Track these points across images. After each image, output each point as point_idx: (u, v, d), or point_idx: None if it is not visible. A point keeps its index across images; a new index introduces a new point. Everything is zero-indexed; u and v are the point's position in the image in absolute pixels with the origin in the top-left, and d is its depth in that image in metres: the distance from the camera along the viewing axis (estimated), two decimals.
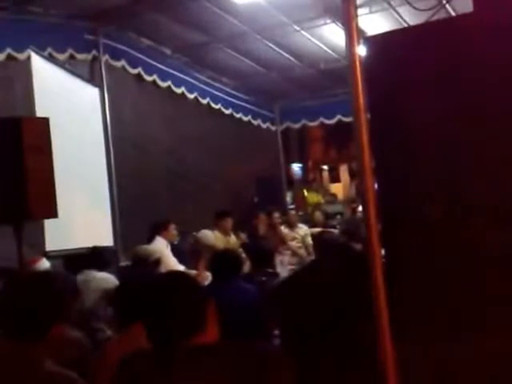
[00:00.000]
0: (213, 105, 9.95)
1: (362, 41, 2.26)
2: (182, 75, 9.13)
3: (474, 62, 2.18)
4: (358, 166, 2.17)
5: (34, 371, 1.89)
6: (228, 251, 4.52)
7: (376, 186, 2.21)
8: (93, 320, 4.45)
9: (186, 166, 9.19)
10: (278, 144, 12.02)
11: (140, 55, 8.26)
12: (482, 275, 2.16)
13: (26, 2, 6.53)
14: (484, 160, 2.16)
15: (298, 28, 8.23)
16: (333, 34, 8.23)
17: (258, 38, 8.47)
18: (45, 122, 3.86)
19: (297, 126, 11.98)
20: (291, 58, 9.33)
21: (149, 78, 8.44)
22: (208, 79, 9.81)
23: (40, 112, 5.38)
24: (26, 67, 5.96)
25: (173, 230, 6.53)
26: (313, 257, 5.61)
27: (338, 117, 10.79)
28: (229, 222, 7.06)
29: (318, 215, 9.33)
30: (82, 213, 6.53)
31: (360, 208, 7.99)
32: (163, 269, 4.91)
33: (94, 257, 4.99)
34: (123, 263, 6.69)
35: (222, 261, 4.08)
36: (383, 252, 2.23)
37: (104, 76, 7.62)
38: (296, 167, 14.93)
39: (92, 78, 7.59)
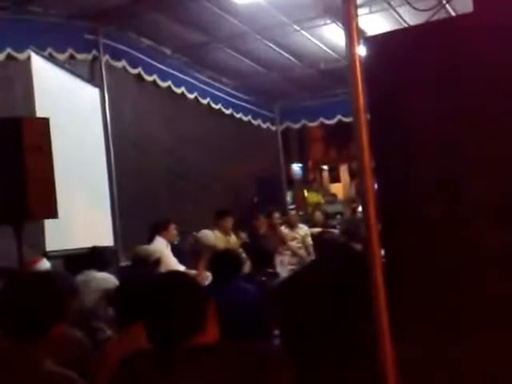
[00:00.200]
0: (213, 105, 9.95)
1: (362, 41, 2.25)
2: (182, 75, 9.13)
3: (474, 62, 2.18)
4: (358, 165, 2.17)
5: (34, 371, 1.89)
6: (228, 251, 4.52)
7: (376, 186, 2.21)
8: (93, 320, 4.45)
9: (186, 166, 9.18)
10: (278, 144, 12.02)
11: (140, 55, 8.26)
12: (482, 275, 2.16)
13: (25, 2, 6.52)
14: (484, 160, 2.16)
15: (298, 28, 8.23)
16: (333, 34, 8.23)
17: (258, 38, 8.47)
18: (45, 122, 3.87)
19: (297, 126, 11.97)
20: (291, 57, 9.32)
21: (149, 78, 8.44)
22: (208, 79, 9.81)
23: (40, 112, 5.38)
24: (26, 67, 5.95)
25: (173, 229, 6.53)
26: (313, 257, 5.62)
27: (338, 117, 10.80)
28: (229, 222, 7.05)
29: (318, 215, 9.33)
30: (82, 213, 6.52)
31: (360, 208, 7.97)
32: (163, 269, 4.90)
33: (94, 257, 4.99)
34: (123, 263, 6.69)
35: (222, 261, 4.08)
36: (383, 252, 2.23)
37: (104, 76, 7.61)
38: (296, 167, 14.94)
39: (92, 78, 7.59)
